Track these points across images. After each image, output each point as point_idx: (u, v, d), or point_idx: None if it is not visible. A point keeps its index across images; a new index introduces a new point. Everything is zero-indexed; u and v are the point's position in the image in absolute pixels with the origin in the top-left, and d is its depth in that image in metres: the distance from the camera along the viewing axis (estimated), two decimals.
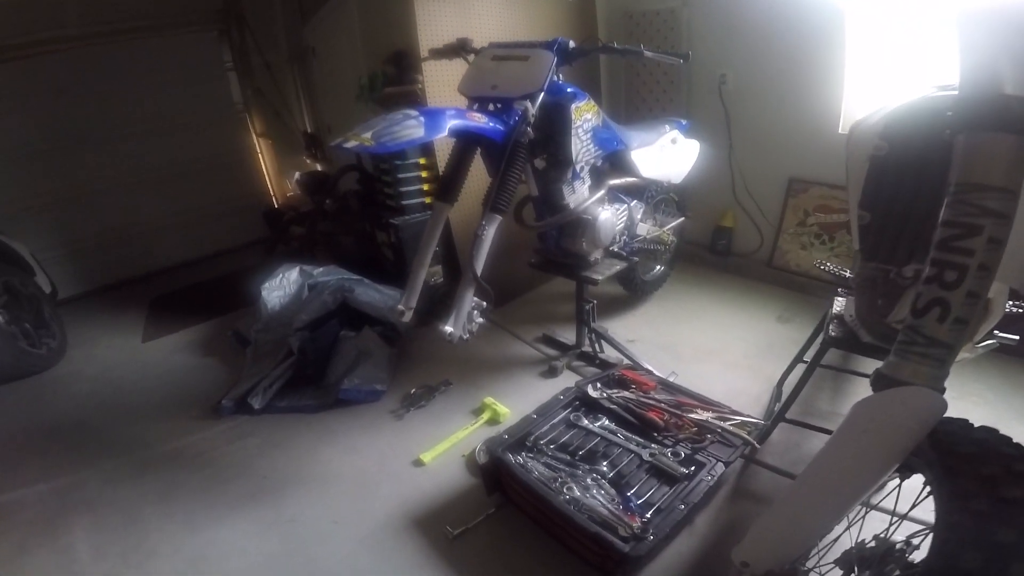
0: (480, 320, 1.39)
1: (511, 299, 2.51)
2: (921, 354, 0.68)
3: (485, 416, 1.80)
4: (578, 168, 1.62)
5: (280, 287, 2.26)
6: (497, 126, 1.36)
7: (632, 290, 2.36)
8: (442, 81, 2.14)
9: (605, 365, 1.98)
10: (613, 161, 1.87)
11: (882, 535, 0.79)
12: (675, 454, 1.33)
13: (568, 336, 2.15)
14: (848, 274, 1.55)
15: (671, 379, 1.85)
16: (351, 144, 1.12)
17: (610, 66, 2.75)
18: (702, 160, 2.23)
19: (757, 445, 1.36)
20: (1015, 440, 0.66)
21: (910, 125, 0.98)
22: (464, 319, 1.33)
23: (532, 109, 1.40)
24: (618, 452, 1.36)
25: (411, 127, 1.16)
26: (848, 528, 0.86)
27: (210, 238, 3.42)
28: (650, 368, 1.88)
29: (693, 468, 1.29)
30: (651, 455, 1.33)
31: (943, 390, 0.69)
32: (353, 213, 2.57)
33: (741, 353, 2.05)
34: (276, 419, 1.91)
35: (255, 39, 3.32)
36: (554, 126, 1.56)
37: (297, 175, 3.38)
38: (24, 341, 2.39)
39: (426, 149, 2.29)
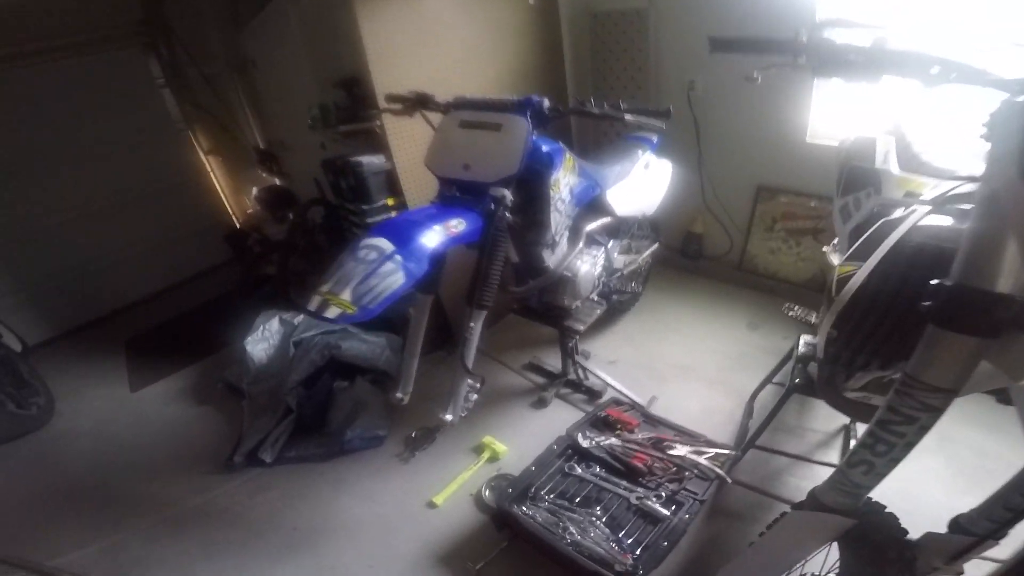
0: (475, 397, 1.63)
1: (496, 321, 2.74)
2: (845, 492, 0.94)
3: (485, 455, 2.06)
4: (557, 237, 1.76)
5: (263, 339, 2.42)
6: (475, 225, 1.40)
7: (608, 311, 2.60)
8: (403, 124, 2.14)
9: (591, 393, 2.28)
10: (590, 204, 2.05)
11: None
12: (658, 496, 1.64)
13: (554, 362, 2.41)
14: (813, 320, 1.82)
15: (652, 405, 2.17)
16: (332, 314, 1.09)
17: (576, 71, 2.83)
18: (673, 178, 2.41)
19: (728, 479, 1.68)
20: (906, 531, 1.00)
21: (892, 264, 1.07)
22: (460, 404, 1.56)
23: (509, 196, 1.47)
24: (609, 497, 1.67)
25: (390, 275, 1.13)
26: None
27: (172, 266, 3.47)
28: (632, 397, 2.17)
29: (674, 507, 1.61)
30: (638, 499, 1.64)
31: (856, 511, 0.97)
32: (323, 250, 2.69)
33: (715, 367, 2.35)
34: (288, 470, 2.13)
35: (187, 51, 3.21)
36: (532, 197, 1.64)
37: (255, 191, 3.41)
38: (11, 404, 2.54)
39: (393, 187, 2.33)
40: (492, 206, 1.43)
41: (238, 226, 3.62)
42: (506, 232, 1.49)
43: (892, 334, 1.06)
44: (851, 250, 1.19)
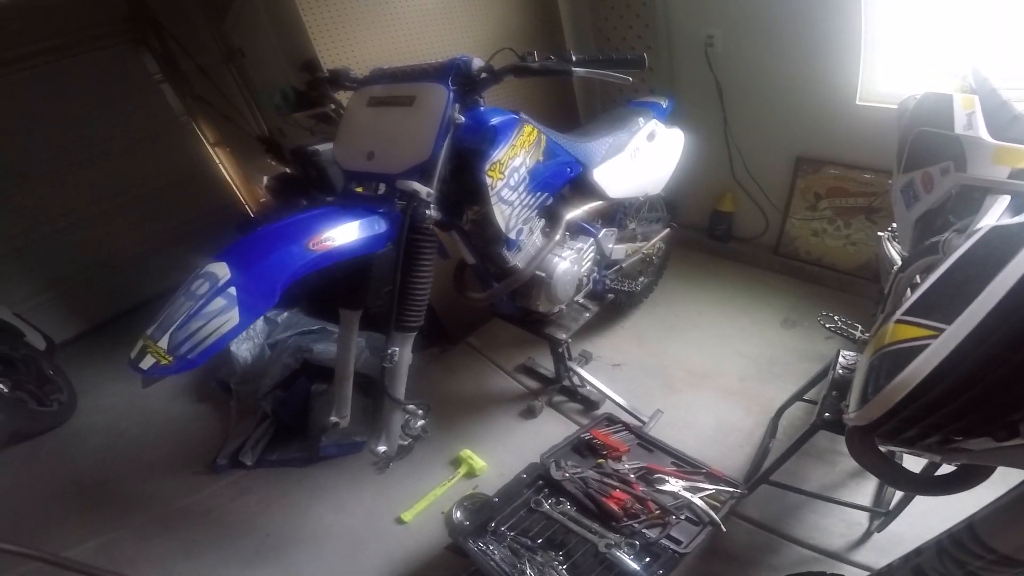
0: (421, 423, 1.40)
1: (490, 317, 2.48)
2: None
3: (462, 471, 1.88)
4: (512, 232, 1.45)
5: (248, 338, 2.33)
6: (376, 229, 1.10)
7: (614, 306, 2.25)
8: None
9: (587, 403, 1.99)
10: (572, 183, 1.71)
11: None
12: (631, 545, 1.35)
13: (550, 364, 2.14)
14: (859, 334, 1.42)
15: (656, 421, 1.85)
16: (147, 365, 0.90)
17: (576, 32, 2.42)
18: (690, 147, 2.01)
19: (723, 528, 1.36)
20: None
21: (1002, 319, 0.60)
22: (396, 435, 1.33)
23: (424, 192, 1.14)
24: (575, 541, 1.40)
25: (218, 315, 0.89)
26: None
27: (190, 258, 3.50)
28: (632, 411, 1.86)
29: (648, 559, 1.32)
30: (607, 546, 1.36)
31: None
32: None
33: (737, 375, 1.98)
34: (269, 473, 2.07)
35: (180, 44, 3.12)
36: (468, 188, 1.32)
37: (266, 179, 3.32)
38: (33, 402, 2.61)
39: None
40: (403, 204, 1.15)
41: (251, 215, 3.57)
42: (430, 235, 1.21)
43: (977, 407, 0.62)
44: (915, 298, 0.64)
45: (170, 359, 0.90)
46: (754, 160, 2.27)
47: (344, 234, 1.06)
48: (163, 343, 0.91)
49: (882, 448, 0.91)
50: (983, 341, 0.53)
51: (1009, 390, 0.56)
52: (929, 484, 0.92)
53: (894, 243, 1.54)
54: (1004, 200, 0.81)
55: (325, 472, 2.03)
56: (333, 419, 1.40)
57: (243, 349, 2.31)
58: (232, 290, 0.93)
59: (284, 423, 2.11)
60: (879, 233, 1.57)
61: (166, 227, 3.50)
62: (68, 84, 2.96)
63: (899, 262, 1.42)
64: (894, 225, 1.53)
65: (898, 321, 0.60)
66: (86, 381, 2.98)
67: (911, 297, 0.62)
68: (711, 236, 2.58)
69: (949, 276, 0.59)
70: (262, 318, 2.37)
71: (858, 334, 1.41)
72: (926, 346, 0.56)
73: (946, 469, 0.94)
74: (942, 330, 0.55)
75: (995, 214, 0.78)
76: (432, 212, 1.19)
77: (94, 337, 3.37)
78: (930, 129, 1.14)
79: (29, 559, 1.06)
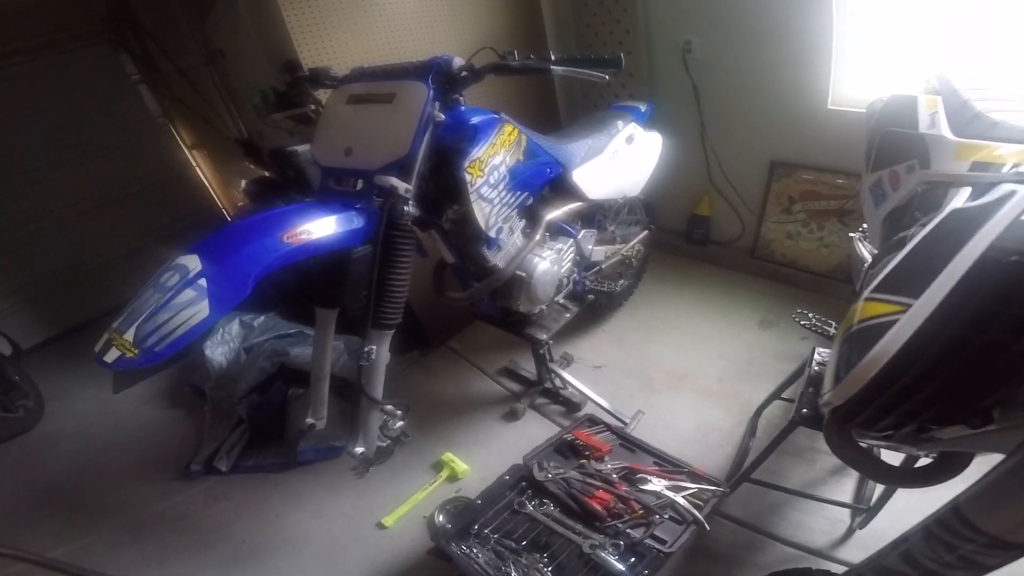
0: (400, 424, 1.38)
1: (471, 320, 2.47)
2: None
3: (444, 474, 1.85)
4: (492, 233, 1.44)
5: (223, 342, 2.27)
6: (353, 224, 1.08)
7: (593, 308, 2.26)
8: None
9: (568, 404, 1.98)
10: (552, 184, 1.71)
11: None
12: (616, 545, 1.34)
13: (532, 367, 2.12)
14: (832, 330, 1.44)
15: (637, 421, 1.85)
16: (111, 358, 0.86)
17: (558, 37, 2.44)
18: (668, 151, 2.03)
19: (707, 526, 1.36)
20: None
21: (966, 296, 0.62)
22: (374, 436, 1.30)
23: (402, 188, 1.13)
24: (559, 542, 1.38)
25: (187, 307, 0.86)
26: None
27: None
28: (613, 412, 1.86)
29: (633, 560, 1.31)
30: (591, 547, 1.34)
31: None
32: None
33: (716, 376, 2.00)
34: (245, 479, 2.01)
35: (160, 45, 3.07)
36: (448, 186, 1.32)
37: (244, 183, 3.26)
38: None
39: None
40: (380, 200, 1.13)
41: (228, 220, 3.50)
42: (407, 231, 1.19)
43: (949, 392, 0.64)
44: (882, 276, 0.68)
45: (136, 352, 0.86)
46: (730, 164, 2.31)
47: (320, 228, 1.04)
48: (129, 335, 0.87)
49: (860, 443, 0.92)
50: (949, 322, 0.54)
51: (979, 371, 0.57)
52: (907, 476, 0.93)
53: (865, 243, 1.58)
54: (965, 191, 0.83)
55: (303, 477, 1.98)
56: (309, 420, 1.36)
57: (218, 353, 2.25)
58: (202, 282, 0.90)
59: (260, 428, 2.06)
60: (851, 234, 1.61)
61: (141, 231, 3.40)
62: (42, 84, 2.88)
63: (870, 260, 1.45)
64: (865, 226, 1.57)
65: (867, 299, 0.61)
66: (56, 387, 2.88)
67: (879, 275, 0.62)
68: (689, 240, 2.61)
69: (915, 255, 0.61)
70: (237, 322, 2.32)
71: (832, 330, 1.43)
72: (895, 321, 0.57)
73: (924, 463, 0.95)
74: (910, 305, 0.56)
75: (958, 204, 0.80)
76: (410, 208, 1.18)
77: (65, 342, 3.26)
78: (896, 129, 1.16)
79: (14, 560, 1.00)
